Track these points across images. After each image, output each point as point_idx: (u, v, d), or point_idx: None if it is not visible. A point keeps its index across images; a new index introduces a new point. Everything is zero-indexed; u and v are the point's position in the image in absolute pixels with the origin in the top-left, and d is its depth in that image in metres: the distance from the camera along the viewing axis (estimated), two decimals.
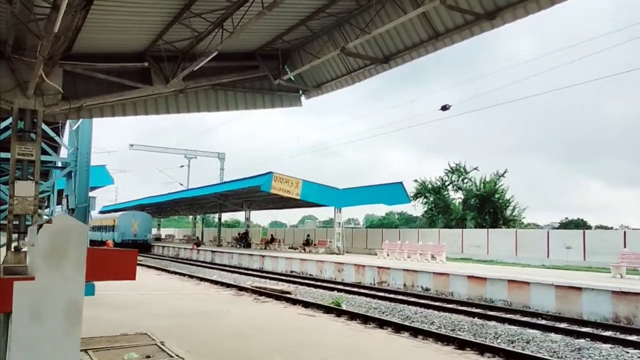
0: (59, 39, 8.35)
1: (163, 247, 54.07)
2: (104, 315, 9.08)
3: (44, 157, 13.10)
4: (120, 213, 57.83)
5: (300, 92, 12.38)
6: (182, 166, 56.30)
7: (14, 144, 9.22)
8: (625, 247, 28.09)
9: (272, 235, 52.08)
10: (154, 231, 78.43)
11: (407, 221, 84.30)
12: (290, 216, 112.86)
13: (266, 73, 11.50)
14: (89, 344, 6.22)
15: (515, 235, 35.37)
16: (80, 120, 11.72)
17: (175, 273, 27.71)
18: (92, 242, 54.46)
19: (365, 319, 13.85)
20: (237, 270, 31.81)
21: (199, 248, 44.69)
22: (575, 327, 13.98)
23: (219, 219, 53.59)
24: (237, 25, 8.03)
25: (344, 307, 15.94)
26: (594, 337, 12.61)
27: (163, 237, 74.38)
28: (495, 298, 18.46)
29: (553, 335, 12.91)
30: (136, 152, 53.62)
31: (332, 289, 21.94)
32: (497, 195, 47.24)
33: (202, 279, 24.28)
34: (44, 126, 12.40)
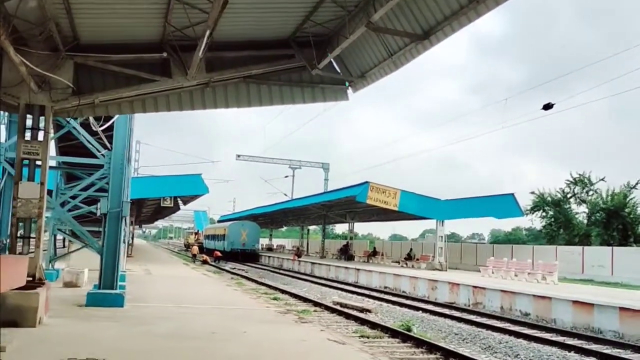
0: (47, 25, 7.63)
1: (269, 257, 54.39)
2: (92, 333, 8.16)
3: (87, 160, 12.77)
4: (230, 223, 59.21)
5: (347, 84, 10.88)
6: (286, 176, 56.47)
7: (19, 142, 8.68)
8: None
9: (374, 248, 50.38)
10: (266, 241, 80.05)
11: (536, 237, 78.23)
12: (410, 229, 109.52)
13: (303, 63, 10.16)
14: None
15: None
16: (116, 117, 11.14)
17: (262, 284, 27.09)
18: (208, 251, 56.25)
19: (431, 348, 11.99)
20: (330, 283, 30.63)
21: (299, 259, 44.13)
22: None
23: (323, 229, 52.88)
24: None
25: (414, 331, 14.09)
26: None
27: (274, 247, 75.30)
28: (605, 328, 15.52)
29: None
30: (243, 162, 54.48)
31: (417, 309, 19.98)
32: (627, 210, 41.75)
33: (281, 292, 23.38)
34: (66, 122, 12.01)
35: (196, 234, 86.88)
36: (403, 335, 13.26)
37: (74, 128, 12.20)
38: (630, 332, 14.72)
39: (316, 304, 19.46)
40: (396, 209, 34.02)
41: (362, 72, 10.32)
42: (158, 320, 9.66)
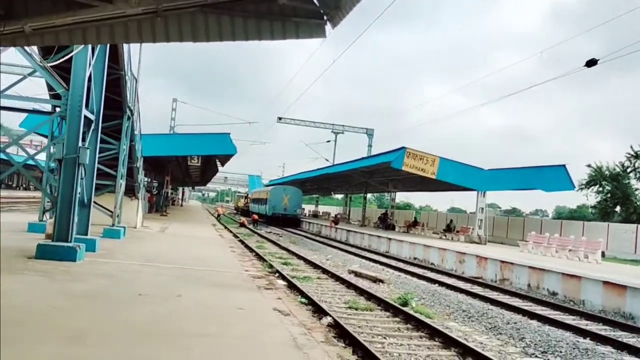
0: None
1: (310, 223, 53.67)
2: (4, 287, 7.27)
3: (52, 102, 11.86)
4: (272, 187, 58.69)
5: (325, 18, 9.35)
6: (328, 141, 54.99)
7: None
8: None
9: (415, 218, 48.66)
10: (312, 208, 79.51)
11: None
12: (470, 202, 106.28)
13: None
14: None
15: None
16: (77, 50, 10.05)
17: (284, 249, 26.25)
18: (253, 214, 56.00)
19: (419, 325, 10.63)
20: (360, 252, 29.46)
21: (336, 226, 43.07)
22: None
23: (364, 197, 51.58)
24: None
25: (412, 306, 12.75)
26: None
27: (320, 213, 74.73)
28: (636, 314, 13.68)
29: None
30: (285, 125, 53.36)
31: (434, 282, 18.61)
32: None
33: (298, 257, 22.46)
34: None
35: (246, 197, 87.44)
36: (396, 309, 11.96)
37: (39, 64, 11.18)
38: None
39: (325, 271, 18.34)
40: (434, 177, 32.16)
41: (336, 1, 8.79)
42: (99, 277, 8.78)
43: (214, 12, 9.03)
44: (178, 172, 52.79)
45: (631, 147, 43.60)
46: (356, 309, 11.99)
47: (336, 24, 9.42)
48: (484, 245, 31.22)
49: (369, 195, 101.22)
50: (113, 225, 16.65)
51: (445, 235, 36.55)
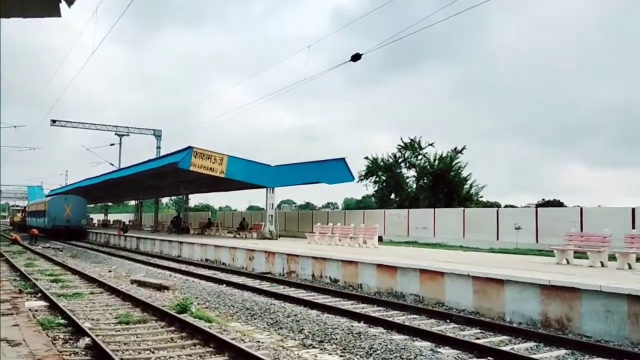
0: None
1: (97, 233, 49.74)
2: None
3: None
4: (50, 197, 53.19)
5: None
6: (112, 144, 51.44)
7: None
8: (582, 227, 24.69)
9: (209, 219, 47.97)
10: (101, 217, 74.14)
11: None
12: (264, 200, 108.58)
13: None
14: None
15: (462, 215, 31.69)
16: None
17: (59, 264, 23.67)
18: (31, 229, 49.84)
19: (193, 332, 9.99)
20: (150, 259, 27.94)
21: (125, 234, 40.44)
22: (488, 337, 10.26)
23: (156, 202, 49.21)
24: None
25: (191, 311, 12.07)
26: (502, 355, 8.78)
27: (111, 222, 69.97)
28: (406, 292, 14.75)
29: (445, 351, 9.11)
30: (59, 128, 48.51)
31: (222, 282, 18.19)
32: (452, 173, 43.36)
33: (73, 272, 20.41)
34: None
35: (23, 211, 78.32)
36: (172, 318, 11.17)
37: None
38: (429, 295, 14.02)
39: (102, 284, 16.75)
40: (223, 175, 31.70)
41: None
42: None
43: None
44: None
45: (401, 139, 48.17)
46: (127, 323, 10.93)
47: (72, 2, 8.31)
48: (275, 240, 31.75)
49: (166, 200, 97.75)
50: None
51: (239, 234, 36.50)
